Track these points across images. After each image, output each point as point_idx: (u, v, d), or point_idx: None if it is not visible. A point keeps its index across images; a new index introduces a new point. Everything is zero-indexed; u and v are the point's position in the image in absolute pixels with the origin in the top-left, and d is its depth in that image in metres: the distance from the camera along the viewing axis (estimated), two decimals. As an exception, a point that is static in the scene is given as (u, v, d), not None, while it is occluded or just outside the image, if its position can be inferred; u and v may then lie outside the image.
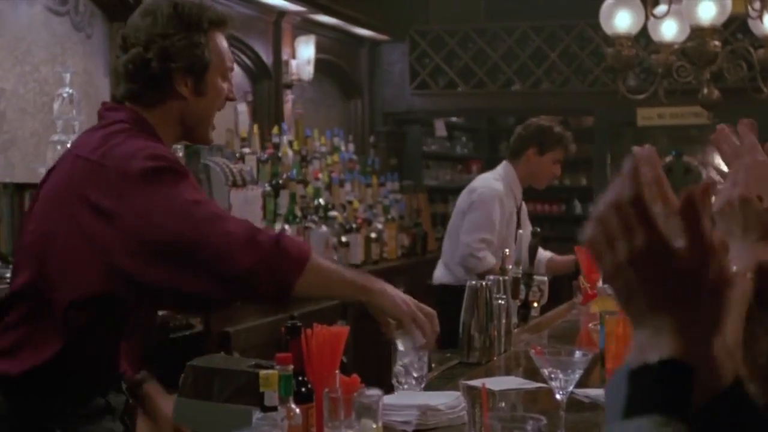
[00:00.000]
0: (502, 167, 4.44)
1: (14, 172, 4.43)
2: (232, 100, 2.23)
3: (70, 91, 4.21)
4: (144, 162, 1.97)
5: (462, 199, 4.41)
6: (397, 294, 2.09)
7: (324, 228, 5.62)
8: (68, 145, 4.11)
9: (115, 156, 2.00)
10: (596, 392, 2.32)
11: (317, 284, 2.03)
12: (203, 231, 1.93)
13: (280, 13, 6.78)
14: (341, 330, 1.92)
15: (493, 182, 4.35)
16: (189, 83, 2.11)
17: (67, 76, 4.25)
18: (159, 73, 2.08)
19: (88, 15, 5.08)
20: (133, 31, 2.10)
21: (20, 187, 3.98)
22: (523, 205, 4.52)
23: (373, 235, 6.32)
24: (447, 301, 4.07)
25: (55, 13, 4.82)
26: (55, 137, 4.17)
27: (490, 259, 4.14)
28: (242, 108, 6.44)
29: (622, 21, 4.49)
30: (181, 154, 3.99)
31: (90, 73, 5.01)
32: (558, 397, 1.93)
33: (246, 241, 1.93)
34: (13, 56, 4.55)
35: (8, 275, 2.78)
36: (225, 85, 2.18)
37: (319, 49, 7.10)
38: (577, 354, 1.93)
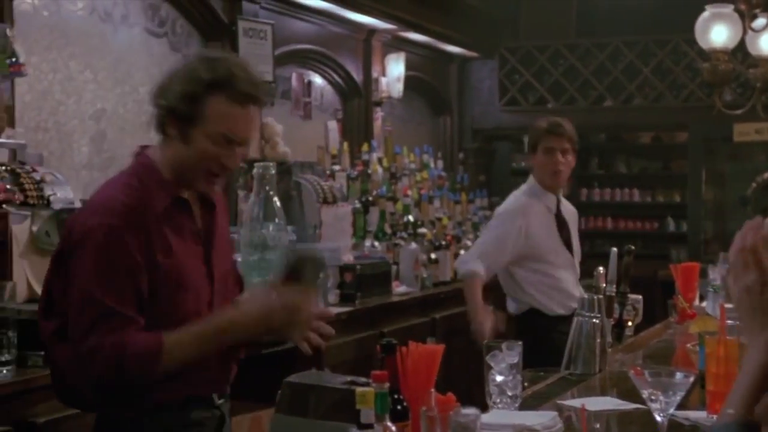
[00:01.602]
0: (528, 180, 4.25)
1: (114, 189, 4.55)
2: (228, 170, 2.23)
3: (168, 110, 4.31)
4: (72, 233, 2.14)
5: None
6: (255, 316, 2.15)
7: (413, 245, 5.62)
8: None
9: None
10: (696, 414, 2.26)
11: (182, 357, 2.09)
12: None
13: (371, 31, 6.83)
14: (437, 348, 1.91)
15: (515, 198, 4.19)
16: (174, 127, 2.17)
17: (165, 96, 4.35)
18: (157, 110, 2.19)
19: (185, 36, 5.21)
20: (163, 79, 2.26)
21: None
22: (566, 209, 4.25)
23: (462, 252, 6.30)
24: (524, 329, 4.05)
25: (153, 34, 4.95)
26: (153, 155, 4.27)
27: (471, 266, 4.04)
28: (332, 125, 6.51)
29: (719, 35, 4.40)
30: (273, 172, 4.03)
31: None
32: (658, 419, 1.89)
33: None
34: (114, 77, 4.69)
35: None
36: (215, 149, 2.17)
37: (408, 66, 7.14)
38: (678, 375, 1.89)
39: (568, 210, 4.27)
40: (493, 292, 4.33)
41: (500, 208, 4.25)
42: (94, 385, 2.08)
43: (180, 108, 2.15)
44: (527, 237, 4.04)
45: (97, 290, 2.06)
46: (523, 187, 4.25)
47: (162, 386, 2.11)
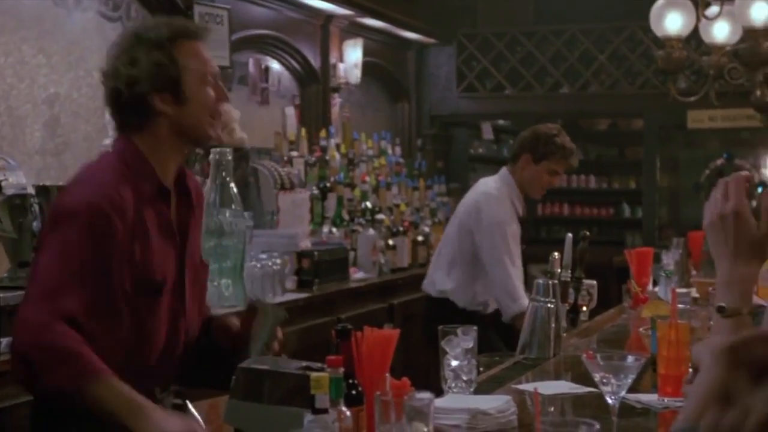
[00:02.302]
0: (500, 175, 4.23)
1: (67, 175, 4.49)
2: (225, 101, 2.26)
3: (123, 95, 4.27)
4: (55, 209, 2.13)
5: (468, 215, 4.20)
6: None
7: (371, 231, 5.63)
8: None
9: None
10: (648, 397, 2.30)
11: (105, 399, 1.98)
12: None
13: (328, 17, 6.81)
14: (391, 333, 1.92)
15: (500, 204, 4.12)
16: (167, 99, 2.16)
17: (120, 81, 4.31)
18: (132, 99, 2.15)
19: (140, 20, 5.14)
20: (106, 65, 2.19)
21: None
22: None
23: (420, 238, 6.32)
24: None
25: (108, 18, 4.89)
26: (107, 141, 4.23)
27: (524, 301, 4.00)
28: (290, 111, 6.49)
29: (673, 23, 4.44)
30: (229, 158, 4.01)
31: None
32: (610, 402, 1.91)
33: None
34: (67, 61, 4.62)
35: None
36: (209, 90, 2.21)
37: (366, 52, 7.12)
38: (630, 359, 1.91)
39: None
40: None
41: (495, 217, 4.12)
42: (16, 361, 2.02)
43: (162, 76, 2.13)
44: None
45: (65, 269, 2.00)
46: (499, 186, 4.20)
47: None
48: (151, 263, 2.13)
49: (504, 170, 4.27)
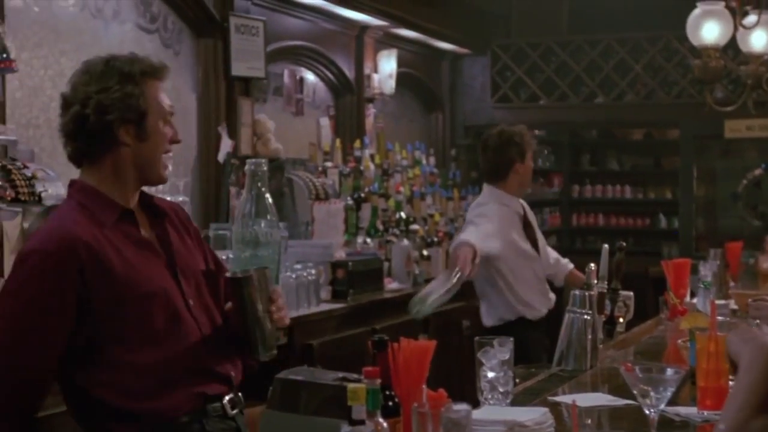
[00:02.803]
0: (486, 193, 4.19)
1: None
2: (177, 142, 2.29)
3: (159, 106, 4.30)
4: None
5: None
6: None
7: (405, 241, 5.63)
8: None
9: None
10: (687, 410, 2.27)
11: None
12: None
13: (363, 28, 6.83)
14: (428, 344, 1.91)
15: (490, 211, 4.08)
16: (130, 131, 2.18)
17: (156, 92, 4.34)
18: (98, 126, 2.16)
19: (176, 32, 5.20)
20: (71, 91, 2.20)
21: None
22: (528, 210, 4.29)
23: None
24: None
25: (145, 30, 4.94)
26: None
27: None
28: (325, 122, 6.51)
29: (710, 32, 4.41)
30: (265, 168, 4.03)
31: (178, 89, 5.11)
32: (649, 414, 1.89)
33: None
34: (105, 73, 4.67)
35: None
36: (167, 129, 2.25)
37: (400, 63, 7.13)
38: (669, 371, 1.89)
39: (529, 210, 4.32)
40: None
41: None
42: None
43: (130, 108, 2.17)
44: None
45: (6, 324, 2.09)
46: (486, 200, 4.15)
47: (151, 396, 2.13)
48: (133, 276, 2.15)
49: (486, 187, 4.20)
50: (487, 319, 4.17)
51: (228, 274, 2.28)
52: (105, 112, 2.15)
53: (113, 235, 2.16)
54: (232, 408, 2.27)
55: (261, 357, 2.22)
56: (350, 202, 5.52)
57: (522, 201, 4.29)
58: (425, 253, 5.90)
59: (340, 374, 2.06)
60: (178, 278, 2.25)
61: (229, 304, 2.32)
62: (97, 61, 2.21)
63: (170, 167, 2.31)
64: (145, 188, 2.31)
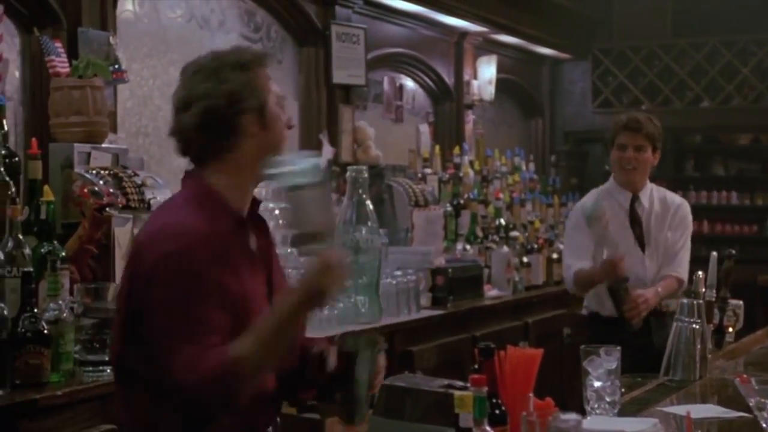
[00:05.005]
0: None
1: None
2: (291, 127, 2.23)
3: (263, 114, 4.37)
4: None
5: None
6: (296, 287, 2.04)
7: (505, 248, 5.58)
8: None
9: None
10: (804, 424, 2.20)
11: (258, 351, 1.97)
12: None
13: (462, 34, 6.82)
14: (535, 352, 1.90)
15: (588, 195, 4.21)
16: (254, 120, 2.12)
17: (260, 101, 4.41)
18: (226, 119, 2.10)
19: (279, 41, 5.28)
20: (187, 91, 2.13)
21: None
22: (656, 205, 4.09)
23: (554, 255, 6.23)
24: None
25: (249, 40, 5.03)
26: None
27: (571, 272, 3.95)
28: (424, 128, 6.52)
29: (824, 33, 4.27)
30: (365, 175, 4.06)
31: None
32: (765, 427, 1.84)
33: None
34: (210, 82, 4.77)
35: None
36: (282, 112, 2.19)
37: (500, 68, 7.10)
38: (787, 384, 1.84)
39: (660, 204, 4.09)
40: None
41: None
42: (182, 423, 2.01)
43: (251, 96, 2.12)
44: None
45: (177, 322, 1.97)
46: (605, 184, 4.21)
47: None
48: (244, 296, 2.08)
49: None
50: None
51: (337, 339, 2.20)
52: (232, 102, 2.10)
53: (228, 241, 2.10)
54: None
55: (356, 424, 2.17)
56: (449, 208, 5.51)
57: (645, 194, 4.13)
58: (525, 259, 5.84)
59: (445, 381, 2.05)
60: (271, 297, 2.18)
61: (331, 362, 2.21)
62: (202, 60, 2.17)
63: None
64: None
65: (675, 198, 4.17)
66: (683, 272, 3.90)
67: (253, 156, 2.14)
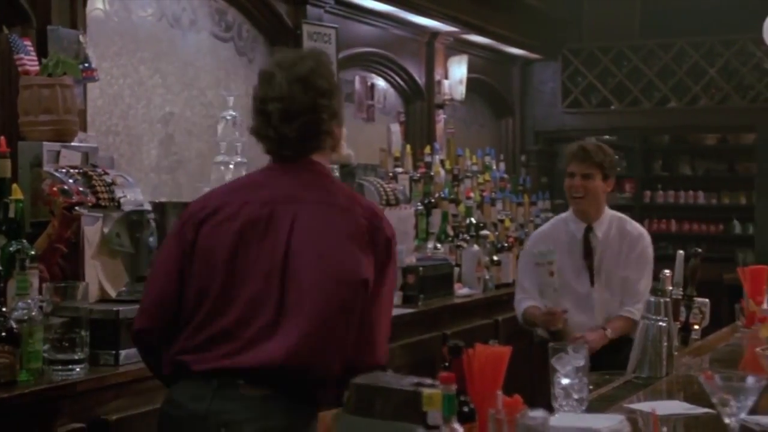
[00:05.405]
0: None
1: (181, 192, 4.63)
2: None
3: (234, 113, 4.37)
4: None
5: None
6: None
7: (475, 247, 5.61)
8: (231, 166, 4.29)
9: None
10: None
11: None
12: None
13: (433, 34, 6.84)
14: (504, 350, 1.92)
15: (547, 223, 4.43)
16: (338, 125, 2.44)
17: (231, 99, 4.42)
18: (329, 128, 2.39)
19: (250, 40, 5.27)
20: (289, 103, 2.38)
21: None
22: (610, 236, 4.06)
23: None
24: None
25: (220, 39, 5.03)
26: (219, 158, 4.33)
27: (522, 305, 4.12)
28: (395, 128, 6.53)
29: (788, 35, 4.33)
30: (337, 174, 4.08)
31: (251, 96, 5.18)
32: (729, 423, 1.87)
33: None
34: (182, 81, 4.77)
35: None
36: None
37: (471, 68, 7.13)
38: (750, 380, 1.87)
39: (618, 235, 4.04)
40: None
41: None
42: None
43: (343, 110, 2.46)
44: None
45: None
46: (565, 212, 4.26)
47: None
48: None
49: None
50: None
51: None
52: (334, 117, 2.38)
53: None
54: None
55: None
56: (420, 207, 5.53)
57: (599, 224, 4.13)
58: (495, 258, 5.88)
59: (415, 379, 2.07)
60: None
61: None
62: (288, 71, 2.41)
63: None
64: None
65: (634, 229, 4.11)
66: (637, 313, 3.67)
67: (330, 151, 2.49)
